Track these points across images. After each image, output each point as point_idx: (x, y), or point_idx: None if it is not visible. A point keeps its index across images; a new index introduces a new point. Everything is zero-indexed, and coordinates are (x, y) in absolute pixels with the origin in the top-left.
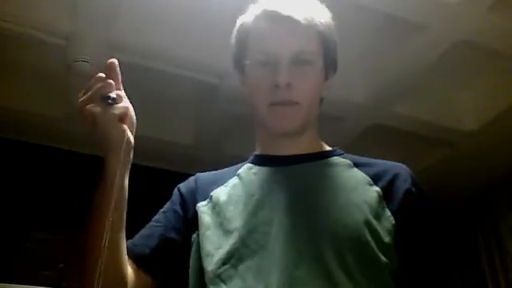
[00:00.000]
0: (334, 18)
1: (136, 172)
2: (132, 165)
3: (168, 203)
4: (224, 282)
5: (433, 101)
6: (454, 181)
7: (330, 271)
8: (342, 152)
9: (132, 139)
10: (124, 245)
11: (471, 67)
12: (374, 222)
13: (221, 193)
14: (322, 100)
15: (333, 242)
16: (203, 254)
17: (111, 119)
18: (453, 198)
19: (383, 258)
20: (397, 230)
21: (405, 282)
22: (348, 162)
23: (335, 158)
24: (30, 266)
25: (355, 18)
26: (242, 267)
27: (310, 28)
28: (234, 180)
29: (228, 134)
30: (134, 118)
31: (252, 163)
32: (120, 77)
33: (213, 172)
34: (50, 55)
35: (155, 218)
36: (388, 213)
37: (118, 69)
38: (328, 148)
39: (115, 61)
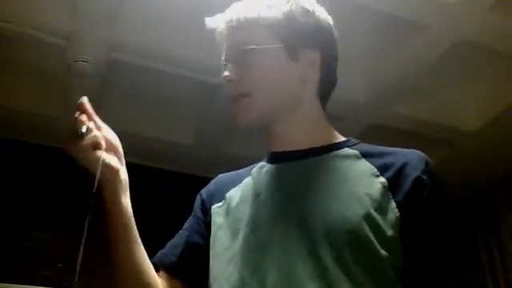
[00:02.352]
0: (333, 17)
1: (136, 172)
2: (132, 165)
3: (193, 210)
4: (226, 278)
5: (433, 101)
6: (453, 181)
7: (327, 269)
8: (354, 142)
9: (112, 161)
10: (139, 255)
11: (471, 67)
12: (376, 215)
13: (235, 193)
14: (321, 82)
15: (330, 238)
16: (213, 254)
17: (84, 149)
18: (453, 198)
19: (384, 253)
20: (402, 222)
21: (410, 275)
22: (356, 152)
23: (344, 149)
24: (29, 266)
25: (355, 17)
26: (241, 264)
27: (250, 16)
28: (248, 179)
29: (228, 134)
30: (115, 140)
31: (265, 161)
32: (91, 111)
33: (233, 172)
34: (50, 55)
35: (183, 226)
36: (393, 205)
37: (89, 105)
38: (340, 139)
39: (84, 99)
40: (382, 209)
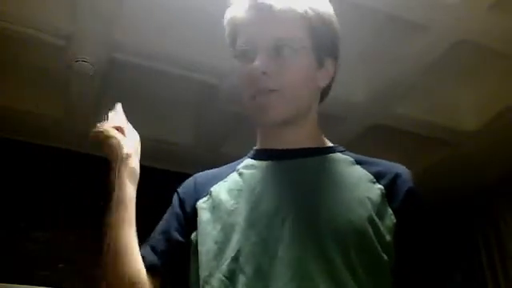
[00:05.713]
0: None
1: None
2: None
3: (169, 208)
4: (226, 276)
5: (433, 101)
6: (453, 181)
7: (335, 268)
8: (343, 149)
9: (127, 147)
10: (133, 245)
11: (471, 67)
12: (377, 219)
13: (220, 188)
14: (324, 90)
15: (337, 237)
16: (203, 250)
17: (106, 127)
18: (453, 197)
19: (385, 256)
20: (397, 229)
21: (400, 279)
22: (350, 159)
23: (337, 154)
24: (29, 266)
25: (355, 17)
26: (243, 261)
27: (290, 13)
28: (234, 175)
29: (228, 133)
30: (137, 137)
31: (252, 158)
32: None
33: (211, 170)
34: (50, 55)
35: (160, 224)
36: (390, 211)
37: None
38: (329, 144)
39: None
40: (380, 214)
